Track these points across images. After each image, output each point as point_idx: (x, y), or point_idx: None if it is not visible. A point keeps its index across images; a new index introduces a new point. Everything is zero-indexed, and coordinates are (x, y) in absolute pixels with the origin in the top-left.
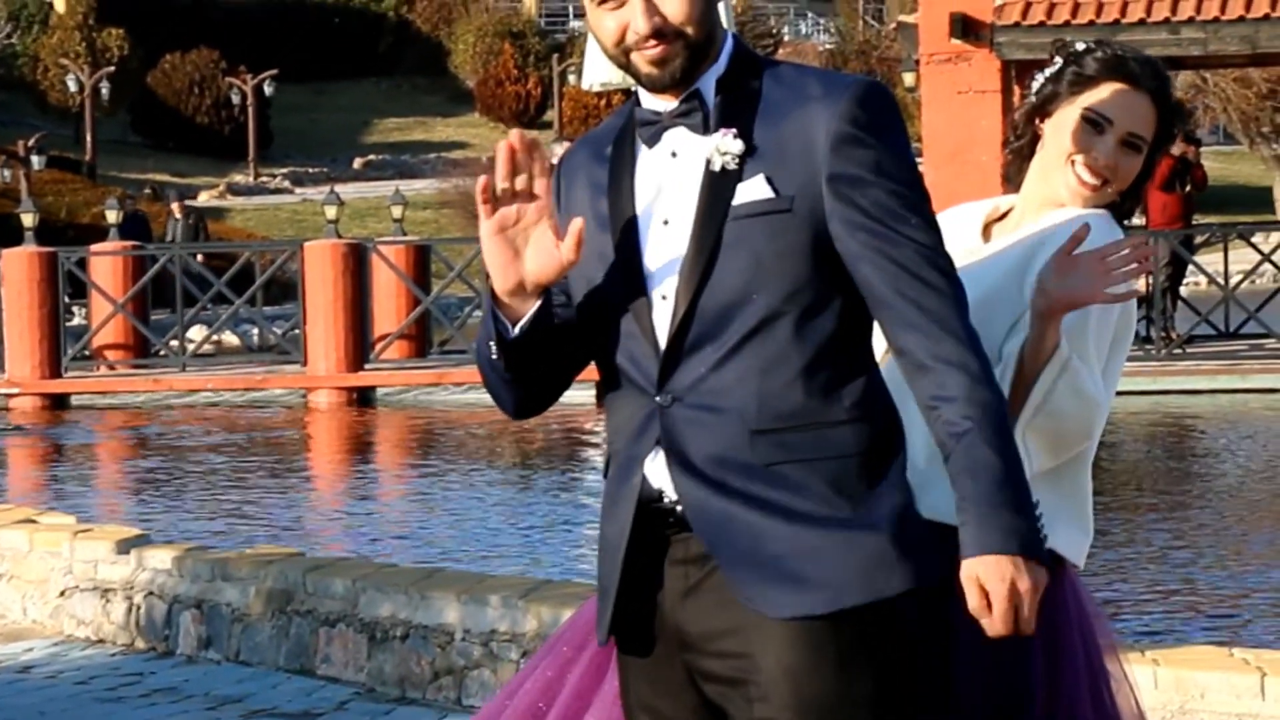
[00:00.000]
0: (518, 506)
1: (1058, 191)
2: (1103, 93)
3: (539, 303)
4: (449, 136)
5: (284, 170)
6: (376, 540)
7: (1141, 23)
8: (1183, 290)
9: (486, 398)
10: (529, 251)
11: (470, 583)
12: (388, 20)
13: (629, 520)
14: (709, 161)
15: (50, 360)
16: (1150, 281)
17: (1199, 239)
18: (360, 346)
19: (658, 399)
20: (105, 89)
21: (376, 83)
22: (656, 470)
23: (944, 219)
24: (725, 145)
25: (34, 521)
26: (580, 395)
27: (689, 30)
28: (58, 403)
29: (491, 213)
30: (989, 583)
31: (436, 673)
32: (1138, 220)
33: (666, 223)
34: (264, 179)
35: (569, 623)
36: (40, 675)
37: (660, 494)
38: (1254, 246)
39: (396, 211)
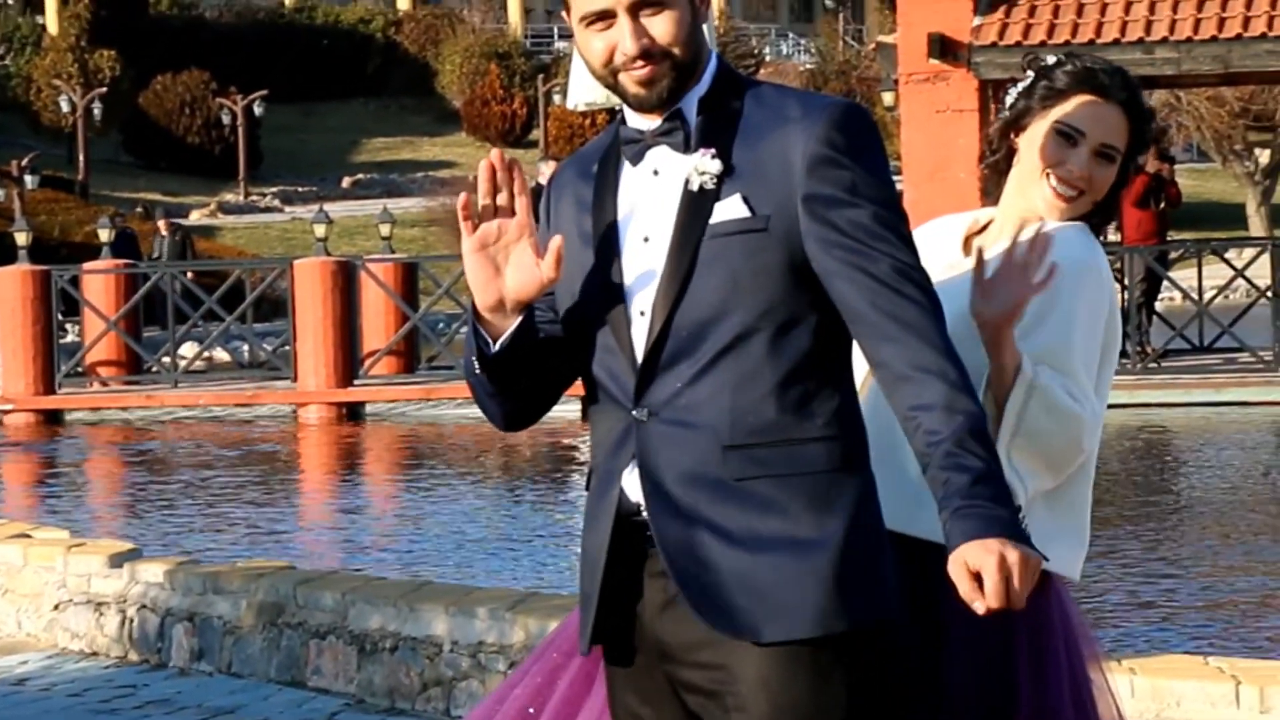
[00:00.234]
0: (505, 519)
1: (1035, 204)
2: (1073, 105)
3: (519, 319)
4: (436, 156)
5: (274, 189)
6: (366, 552)
7: (1116, 43)
8: (1158, 305)
9: (474, 412)
10: (509, 269)
11: (458, 595)
12: (375, 41)
13: (608, 533)
14: (687, 180)
15: (44, 377)
16: (1126, 297)
17: (1173, 255)
18: (349, 362)
19: (634, 413)
20: (98, 109)
21: (365, 103)
22: (634, 485)
23: (924, 232)
24: (703, 165)
25: (28, 536)
26: (566, 409)
27: (676, 51)
28: (52, 419)
29: (473, 230)
30: (977, 560)
31: (425, 684)
32: (1113, 236)
33: (647, 240)
34: (254, 198)
35: (559, 629)
36: (35, 688)
37: (639, 508)
38: (1227, 262)
39: (384, 230)
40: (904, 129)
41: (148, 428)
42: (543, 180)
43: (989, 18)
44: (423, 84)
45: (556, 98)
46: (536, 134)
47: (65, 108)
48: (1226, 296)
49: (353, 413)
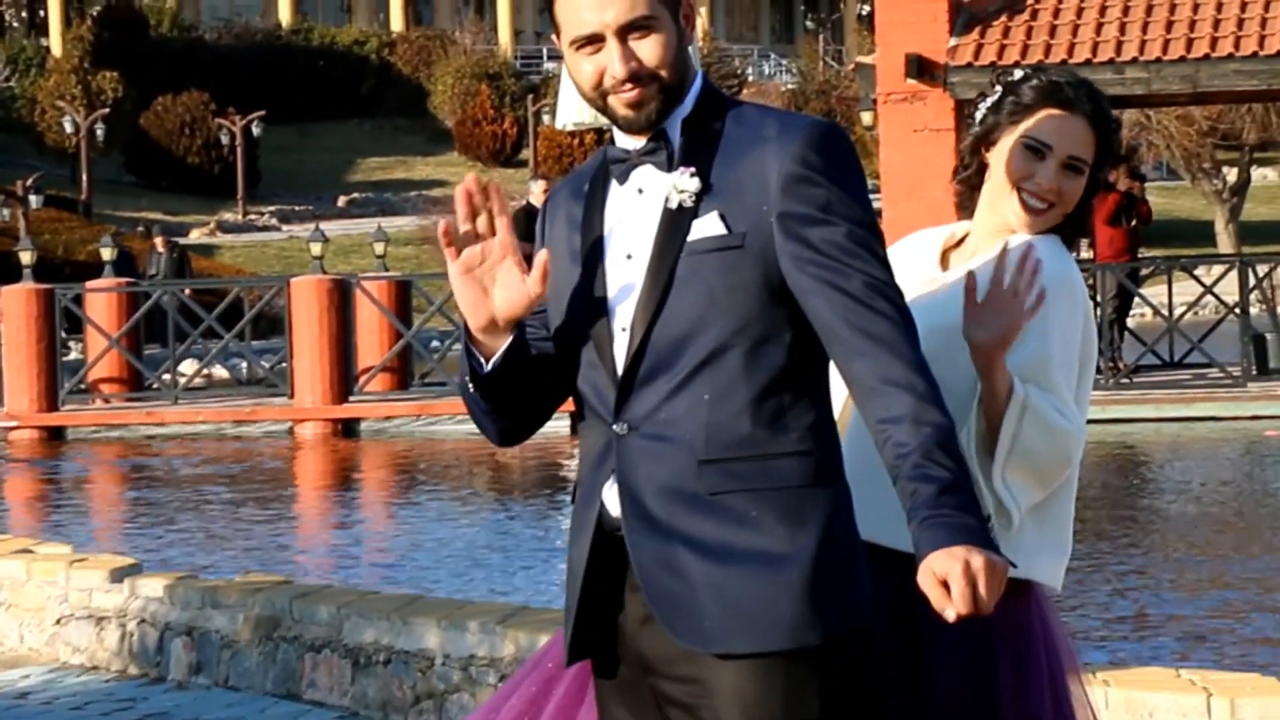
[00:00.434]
0: (496, 534)
1: (1007, 218)
2: (1040, 119)
3: (511, 338)
4: (429, 175)
5: (271, 208)
6: (360, 567)
7: (1088, 63)
8: (1129, 321)
9: (467, 428)
10: (496, 289)
11: (450, 609)
12: (370, 63)
13: (588, 548)
14: (667, 199)
15: (48, 394)
16: (1099, 313)
17: (1144, 272)
18: (345, 379)
19: (615, 428)
20: (100, 130)
21: (359, 123)
22: (614, 499)
23: (902, 247)
24: (682, 184)
25: (31, 551)
26: (558, 425)
27: (663, 74)
28: (55, 435)
29: (456, 255)
30: (943, 568)
31: (418, 696)
32: (1085, 253)
33: (630, 257)
34: (252, 217)
35: (552, 641)
36: (36, 701)
37: (619, 523)
38: (1196, 279)
39: (379, 248)
40: (882, 148)
41: (148, 444)
42: (532, 199)
43: (964, 39)
44: (416, 104)
45: (546, 118)
46: (527, 153)
47: (69, 128)
48: (1196, 313)
49: (348, 429)
